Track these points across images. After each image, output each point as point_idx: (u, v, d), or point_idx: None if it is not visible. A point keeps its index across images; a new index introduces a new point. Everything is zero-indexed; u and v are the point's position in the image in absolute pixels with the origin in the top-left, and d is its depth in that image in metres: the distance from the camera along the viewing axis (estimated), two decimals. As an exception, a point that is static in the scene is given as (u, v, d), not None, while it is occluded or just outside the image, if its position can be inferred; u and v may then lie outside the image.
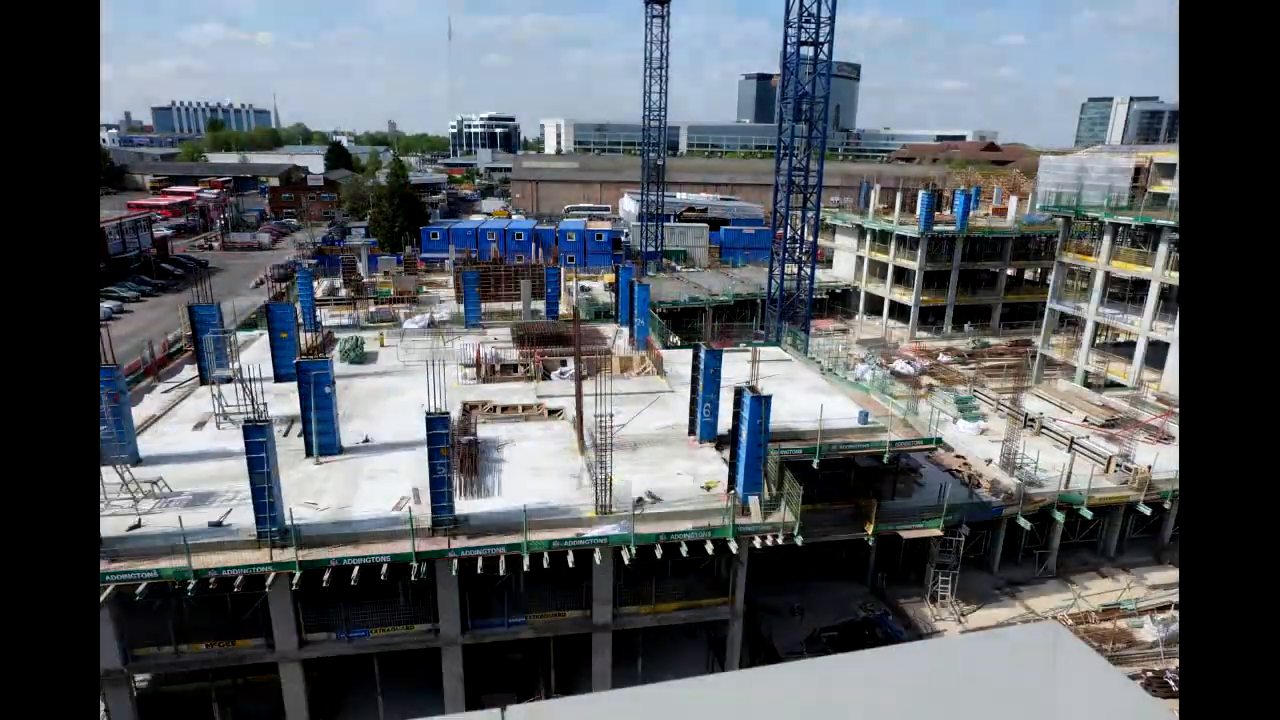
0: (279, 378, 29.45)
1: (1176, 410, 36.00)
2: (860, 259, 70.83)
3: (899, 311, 66.63)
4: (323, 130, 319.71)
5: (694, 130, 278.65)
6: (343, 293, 45.38)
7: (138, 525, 19.20)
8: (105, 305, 63.31)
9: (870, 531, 28.02)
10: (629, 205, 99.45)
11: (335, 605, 20.37)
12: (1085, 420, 37.30)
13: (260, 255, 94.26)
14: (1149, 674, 24.49)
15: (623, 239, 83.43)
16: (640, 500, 21.23)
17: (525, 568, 19.84)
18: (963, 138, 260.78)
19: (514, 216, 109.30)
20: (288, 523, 19.00)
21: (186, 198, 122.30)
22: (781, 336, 39.39)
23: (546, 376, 31.79)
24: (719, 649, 24.37)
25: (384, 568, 19.12)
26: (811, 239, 49.64)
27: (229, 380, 26.62)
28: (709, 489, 22.18)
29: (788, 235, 49.72)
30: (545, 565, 19.78)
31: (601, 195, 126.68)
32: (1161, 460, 31.71)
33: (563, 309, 41.73)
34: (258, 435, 18.44)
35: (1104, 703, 3.52)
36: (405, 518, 19.57)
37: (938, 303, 64.96)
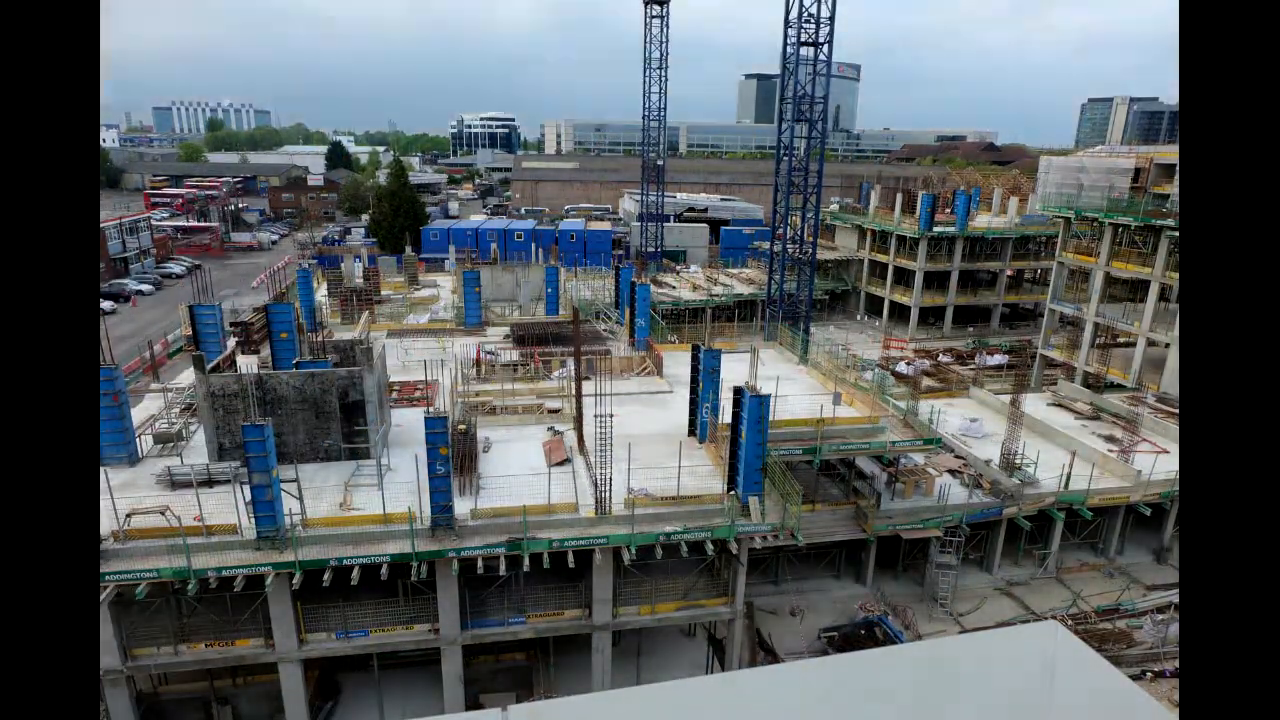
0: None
1: (1176, 411, 35.99)
2: (860, 259, 70.85)
3: (899, 312, 66.64)
4: (323, 130, 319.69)
5: (694, 130, 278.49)
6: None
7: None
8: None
9: (870, 531, 28.05)
10: (629, 205, 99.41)
11: (335, 605, 20.37)
12: (1084, 423, 37.29)
13: (261, 255, 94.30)
14: (1149, 674, 24.47)
15: (623, 239, 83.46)
16: (630, 489, 21.28)
17: (525, 568, 19.83)
18: (963, 138, 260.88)
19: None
20: (287, 522, 19.00)
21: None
22: (778, 336, 39.32)
23: (546, 376, 31.76)
24: (719, 649, 24.36)
25: (384, 568, 19.11)
26: (811, 239, 49.61)
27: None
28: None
29: (787, 235, 49.71)
30: (545, 565, 19.77)
31: (601, 195, 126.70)
32: (1161, 463, 31.73)
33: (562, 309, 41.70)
34: (256, 434, 18.43)
35: (1104, 703, 3.52)
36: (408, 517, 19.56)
37: (938, 303, 65.04)
